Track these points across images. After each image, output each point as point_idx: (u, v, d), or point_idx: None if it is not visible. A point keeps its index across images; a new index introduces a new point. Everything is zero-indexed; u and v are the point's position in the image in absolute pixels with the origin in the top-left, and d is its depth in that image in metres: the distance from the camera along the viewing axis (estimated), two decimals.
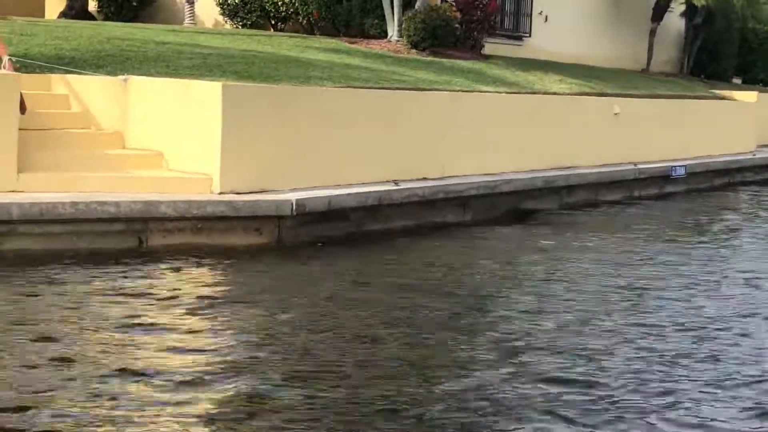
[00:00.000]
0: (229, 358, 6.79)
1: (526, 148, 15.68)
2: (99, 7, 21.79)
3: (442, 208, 13.22)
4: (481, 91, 15.62)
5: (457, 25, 19.28)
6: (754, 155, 22.53)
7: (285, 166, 11.61)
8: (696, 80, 27.12)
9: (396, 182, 12.65)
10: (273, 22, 20.75)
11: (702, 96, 23.11)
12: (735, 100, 24.15)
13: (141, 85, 11.57)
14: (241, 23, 20.69)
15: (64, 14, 21.09)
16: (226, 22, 21.01)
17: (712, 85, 26.66)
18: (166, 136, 11.34)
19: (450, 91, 14.90)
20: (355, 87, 13.24)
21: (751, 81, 31.29)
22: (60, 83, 11.83)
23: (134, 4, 21.54)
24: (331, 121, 12.25)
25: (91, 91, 11.73)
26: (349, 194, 11.63)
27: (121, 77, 11.60)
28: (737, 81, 30.80)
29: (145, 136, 11.46)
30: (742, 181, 21.49)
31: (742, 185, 21.13)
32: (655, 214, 15.73)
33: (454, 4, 19.56)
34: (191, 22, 20.63)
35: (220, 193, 10.87)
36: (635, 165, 17.65)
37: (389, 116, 13.14)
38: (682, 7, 27.69)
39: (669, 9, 27.35)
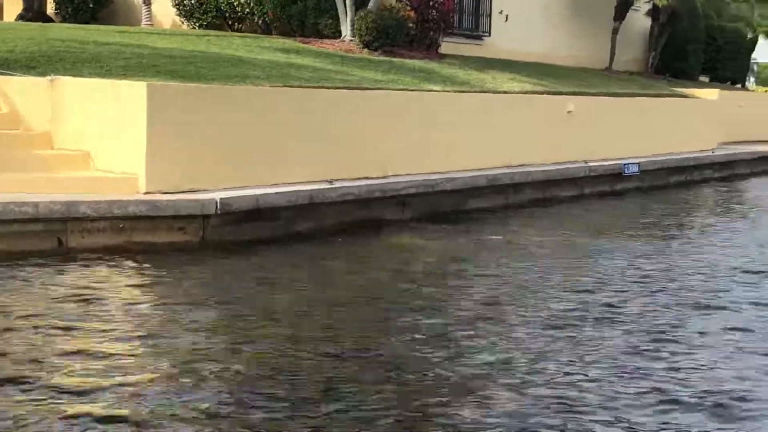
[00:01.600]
0: (135, 358, 6.79)
1: (474, 148, 15.71)
2: (57, 9, 21.75)
3: (379, 207, 13.21)
4: (427, 90, 15.61)
5: (411, 25, 19.28)
6: (713, 152, 22.58)
7: (216, 166, 11.60)
8: (660, 78, 27.19)
9: (330, 181, 12.65)
10: (230, 22, 20.72)
11: (661, 94, 23.14)
12: (696, 98, 24.21)
13: (68, 85, 11.56)
14: (197, 24, 20.66)
15: (21, 17, 21.06)
16: (183, 22, 20.98)
17: (677, 83, 26.72)
18: (94, 136, 11.34)
19: (394, 90, 14.90)
20: (292, 86, 13.21)
21: (718, 79, 31.39)
22: None
23: (91, 5, 21.48)
24: (264, 121, 12.25)
25: (20, 92, 11.73)
26: (278, 193, 11.61)
27: (48, 78, 11.58)
28: (704, 79, 30.90)
29: (73, 136, 11.46)
30: (701, 179, 21.55)
31: (700, 183, 21.18)
32: (594, 211, 15.76)
33: (408, 3, 19.57)
34: (148, 23, 20.62)
35: (146, 193, 10.88)
36: (586, 163, 17.68)
37: (326, 116, 13.14)
38: (648, 6, 27.79)
39: (635, 8, 27.43)
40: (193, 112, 11.38)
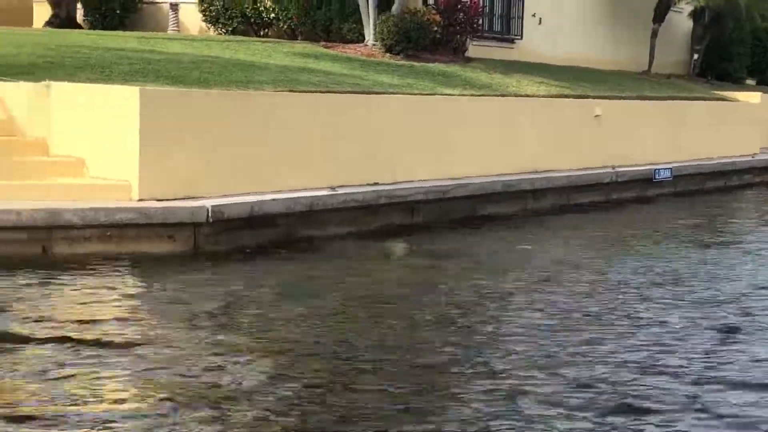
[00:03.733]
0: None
1: (493, 153, 15.31)
2: (85, 15, 21.73)
3: (386, 213, 12.90)
4: (444, 94, 15.25)
5: (436, 28, 18.91)
6: (753, 157, 21.90)
7: (213, 173, 11.36)
8: (702, 81, 26.49)
9: (333, 188, 12.34)
10: (255, 28, 20.53)
11: (699, 97, 22.49)
12: (738, 101, 23.52)
13: (63, 91, 11.38)
14: (223, 30, 20.50)
15: (49, 23, 21.04)
16: (209, 28, 20.84)
17: (720, 86, 26.02)
18: (88, 142, 11.15)
19: (408, 94, 14.57)
20: (296, 91, 12.94)
21: (766, 82, 30.54)
22: None
23: (118, 12, 21.40)
24: (265, 126, 12.00)
25: (16, 98, 11.58)
26: (275, 200, 11.34)
27: (42, 83, 11.43)
28: (751, 82, 30.10)
29: (68, 142, 11.28)
30: (740, 184, 20.89)
31: (738, 188, 20.54)
32: (612, 219, 15.26)
33: (434, 7, 19.24)
34: (175, 29, 20.53)
35: (139, 200, 10.67)
36: (613, 168, 17.17)
37: (332, 120, 12.85)
38: (690, 7, 27.12)
39: (676, 9, 26.77)
40: (188, 118, 11.15)
